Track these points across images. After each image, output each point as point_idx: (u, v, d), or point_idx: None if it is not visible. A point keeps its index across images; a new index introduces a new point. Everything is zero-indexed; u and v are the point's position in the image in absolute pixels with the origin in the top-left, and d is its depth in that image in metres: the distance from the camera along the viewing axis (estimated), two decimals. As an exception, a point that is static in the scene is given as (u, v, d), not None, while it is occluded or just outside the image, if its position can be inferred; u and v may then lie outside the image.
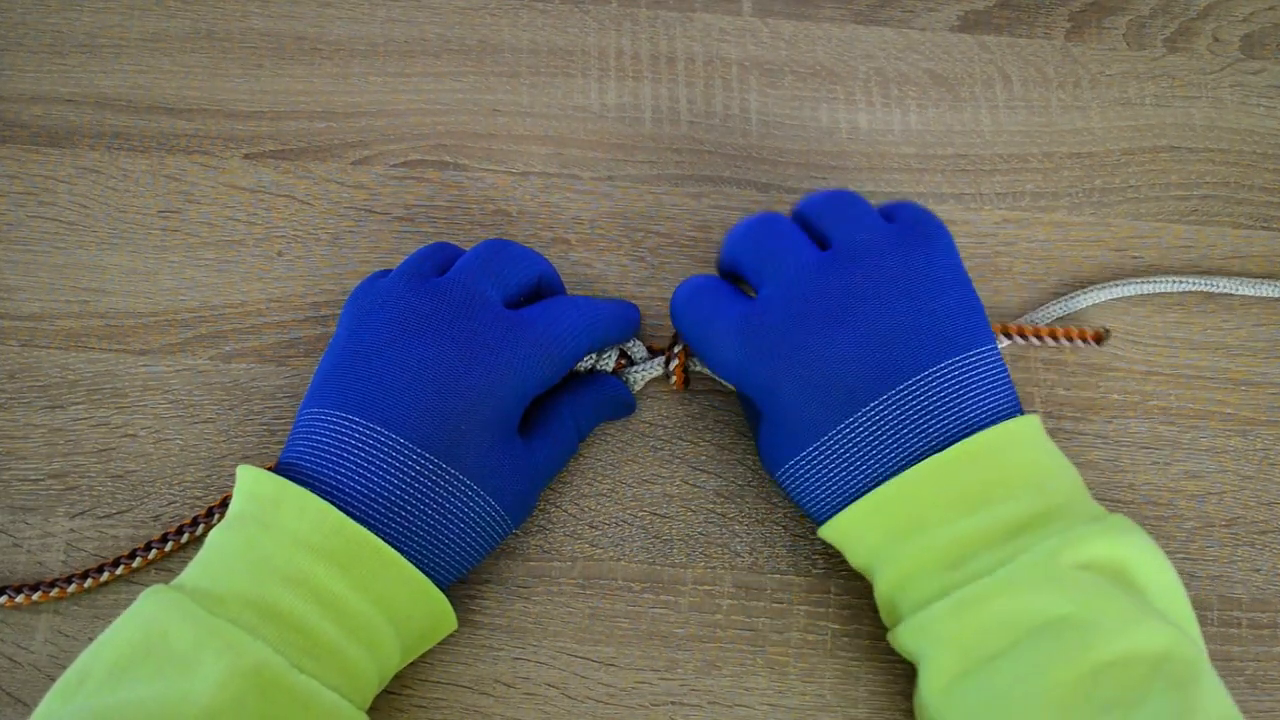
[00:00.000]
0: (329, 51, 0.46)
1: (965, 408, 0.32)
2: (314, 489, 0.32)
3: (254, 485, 0.33)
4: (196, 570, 0.32)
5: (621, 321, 0.39)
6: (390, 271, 0.37)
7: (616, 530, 0.40)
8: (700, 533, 0.40)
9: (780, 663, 0.38)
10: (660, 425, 0.41)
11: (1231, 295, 0.43)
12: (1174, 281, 0.42)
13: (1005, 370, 0.33)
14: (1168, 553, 0.40)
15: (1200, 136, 0.46)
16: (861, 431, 0.33)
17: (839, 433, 0.33)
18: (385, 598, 0.32)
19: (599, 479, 0.40)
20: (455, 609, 0.35)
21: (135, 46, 0.46)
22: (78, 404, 0.41)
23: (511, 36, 0.47)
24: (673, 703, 0.38)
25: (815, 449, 0.34)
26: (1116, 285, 0.42)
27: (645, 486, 0.40)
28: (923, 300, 0.33)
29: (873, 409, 0.33)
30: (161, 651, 0.29)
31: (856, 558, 0.35)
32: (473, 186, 0.44)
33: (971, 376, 0.33)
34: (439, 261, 0.37)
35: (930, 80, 0.47)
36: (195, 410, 0.41)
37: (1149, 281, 0.42)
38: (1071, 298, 0.42)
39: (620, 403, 0.40)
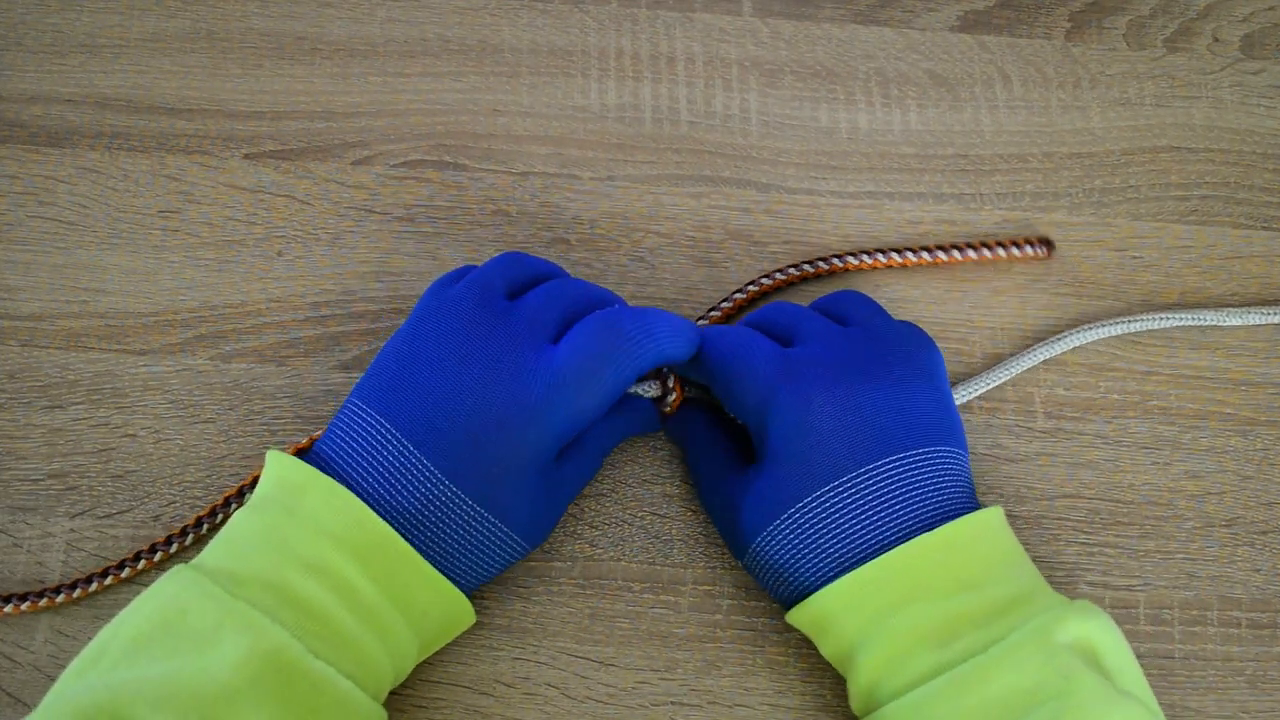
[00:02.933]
0: (329, 51, 0.46)
1: (944, 493, 0.34)
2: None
3: (283, 471, 0.33)
4: (218, 550, 0.32)
5: (674, 342, 0.36)
6: (472, 270, 0.37)
7: (616, 530, 0.40)
8: (700, 533, 0.40)
9: (780, 663, 0.38)
10: (660, 425, 0.41)
11: (1222, 323, 0.42)
12: (1159, 319, 0.42)
13: (969, 472, 0.36)
14: (1167, 553, 0.40)
15: (1200, 136, 0.46)
16: (862, 490, 0.34)
17: (844, 484, 0.34)
18: (402, 595, 0.32)
19: (599, 479, 0.40)
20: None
21: (135, 46, 0.46)
22: (78, 404, 0.41)
23: (511, 36, 0.47)
24: (673, 703, 0.38)
25: (827, 492, 0.34)
26: (1102, 325, 0.42)
27: (645, 486, 0.40)
28: (933, 385, 0.36)
29: (877, 468, 0.34)
30: (180, 629, 0.30)
31: (839, 639, 0.34)
32: (473, 186, 0.44)
33: (954, 467, 0.35)
34: (512, 279, 0.36)
35: (930, 80, 0.47)
36: (195, 410, 0.41)
37: (1135, 320, 0.42)
38: (1058, 339, 0.42)
39: (649, 425, 0.39)
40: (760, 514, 0.35)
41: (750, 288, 0.42)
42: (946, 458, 0.35)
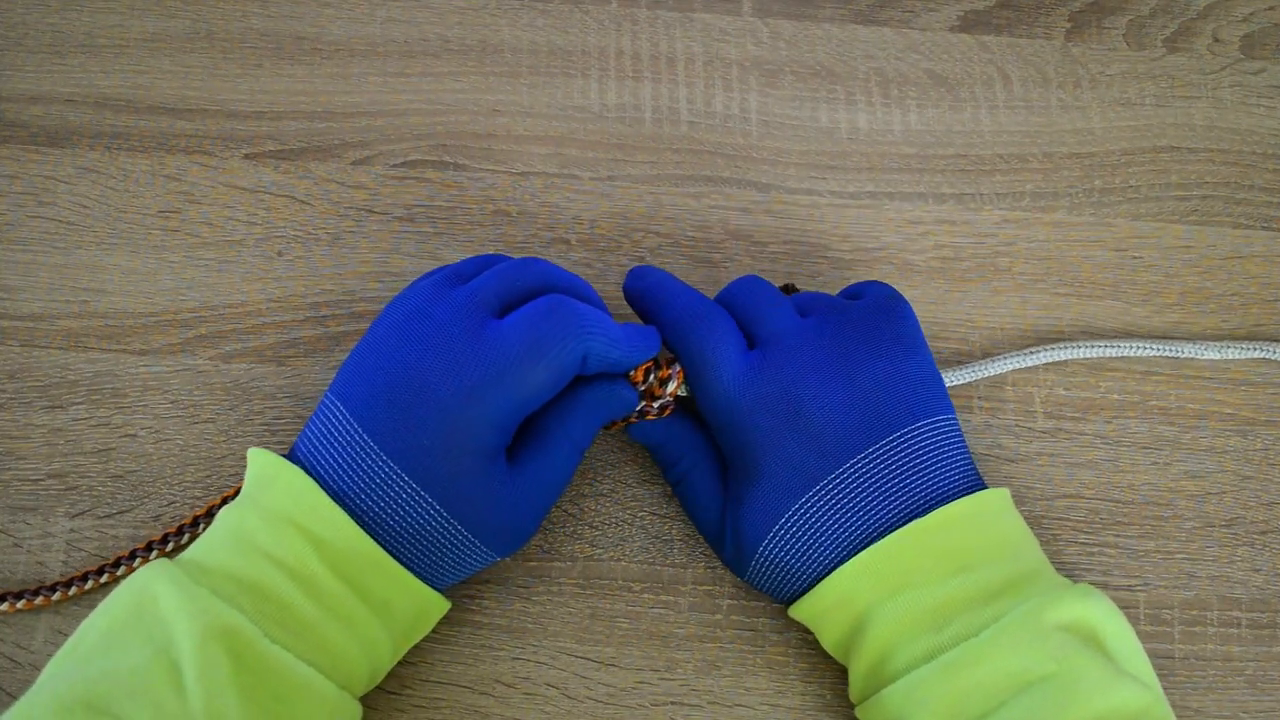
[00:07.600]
0: (329, 51, 0.46)
1: (941, 471, 0.34)
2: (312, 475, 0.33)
3: (259, 466, 0.33)
4: (196, 545, 0.33)
5: (628, 342, 0.35)
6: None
7: (616, 530, 0.40)
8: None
9: (780, 663, 0.38)
10: (660, 425, 0.41)
11: (1208, 348, 0.42)
12: (1136, 346, 0.42)
13: (964, 439, 0.35)
14: (1167, 553, 0.40)
15: (1200, 136, 0.46)
16: (853, 480, 0.33)
17: (835, 479, 0.33)
18: (361, 584, 0.32)
19: (599, 479, 0.40)
20: (455, 608, 0.35)
21: (135, 46, 0.46)
22: (78, 404, 0.41)
23: (511, 36, 0.47)
24: (673, 703, 0.38)
25: (812, 496, 0.33)
26: (1078, 346, 0.41)
27: (645, 486, 0.40)
28: (898, 363, 0.35)
29: (864, 459, 0.33)
30: (151, 618, 0.30)
31: (838, 627, 0.34)
32: (473, 186, 0.44)
33: (939, 442, 0.34)
34: (478, 269, 0.36)
35: (930, 80, 0.47)
36: (195, 410, 0.41)
37: (1112, 345, 0.41)
38: (1031, 353, 0.41)
39: (619, 401, 0.36)
40: (764, 514, 0.34)
41: None
42: (944, 428, 0.34)
